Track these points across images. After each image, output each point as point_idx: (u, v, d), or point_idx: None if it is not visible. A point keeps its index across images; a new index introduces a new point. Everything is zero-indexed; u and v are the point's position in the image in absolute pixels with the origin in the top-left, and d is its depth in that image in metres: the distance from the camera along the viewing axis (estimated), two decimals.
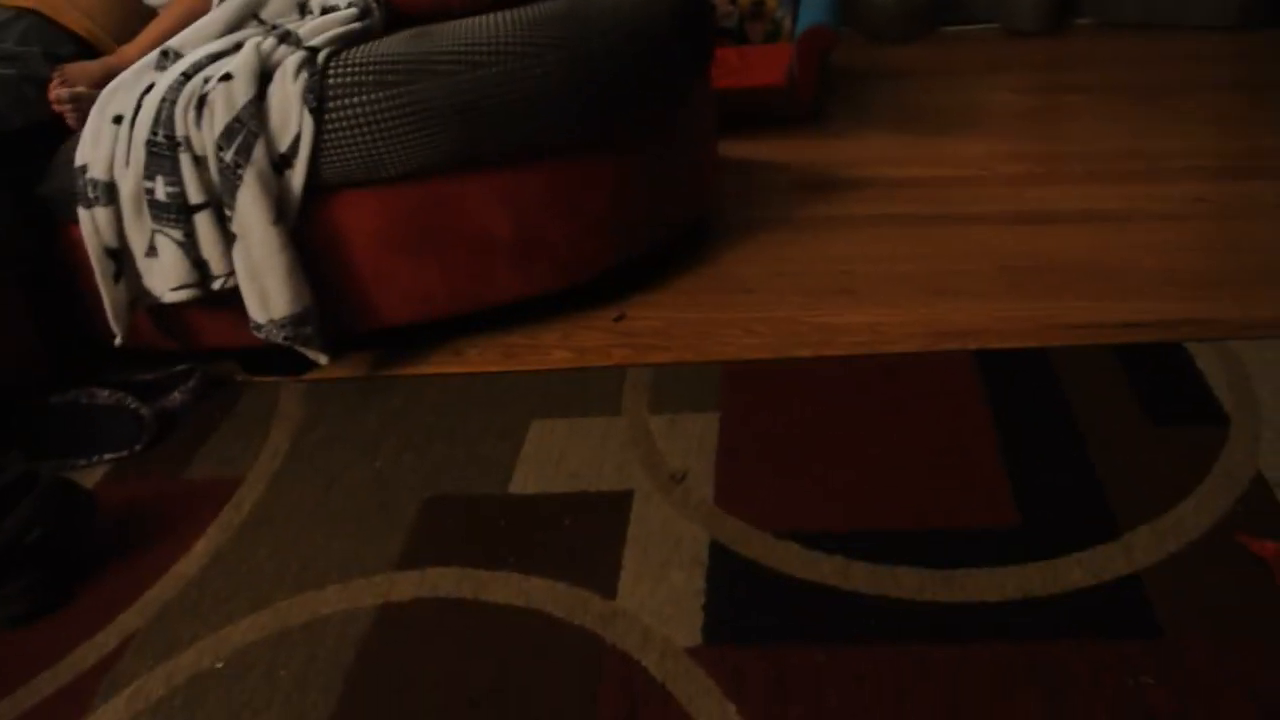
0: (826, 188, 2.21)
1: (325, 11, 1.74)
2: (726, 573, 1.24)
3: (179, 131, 1.57)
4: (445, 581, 1.29)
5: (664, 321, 1.78)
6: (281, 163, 1.59)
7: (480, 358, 1.76)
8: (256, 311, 1.64)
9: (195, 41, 1.71)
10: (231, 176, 1.56)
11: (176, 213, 1.60)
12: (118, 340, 1.70)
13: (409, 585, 1.29)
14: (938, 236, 1.95)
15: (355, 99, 1.58)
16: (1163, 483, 1.30)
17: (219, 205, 1.60)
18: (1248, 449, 1.34)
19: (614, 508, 1.37)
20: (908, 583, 1.20)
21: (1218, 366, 1.50)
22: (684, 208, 1.97)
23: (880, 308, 1.74)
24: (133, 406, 1.64)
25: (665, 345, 1.71)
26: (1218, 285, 1.71)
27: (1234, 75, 2.60)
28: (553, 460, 1.47)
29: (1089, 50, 2.84)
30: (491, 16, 1.64)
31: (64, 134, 1.72)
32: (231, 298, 1.65)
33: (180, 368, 1.78)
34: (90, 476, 1.59)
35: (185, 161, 1.58)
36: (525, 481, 1.44)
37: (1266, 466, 1.31)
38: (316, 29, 1.67)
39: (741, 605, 1.20)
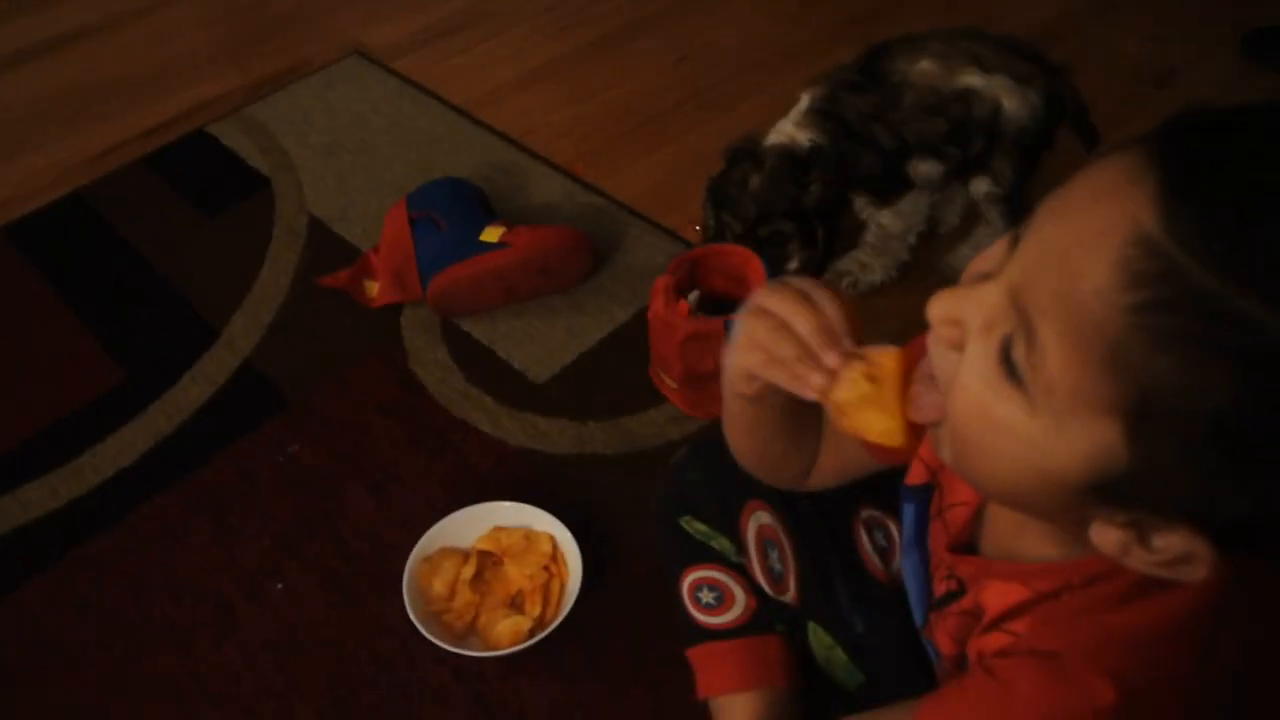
0: None
1: None
2: None
3: None
4: None
5: None
6: None
7: None
8: None
9: None
10: None
11: None
12: None
13: None
14: None
15: None
16: (237, 267, 1.31)
17: None
18: (296, 200, 1.40)
19: None
20: (39, 499, 1.08)
21: (244, 137, 1.52)
22: None
23: None
24: None
25: None
26: (216, 61, 1.71)
27: None
28: None
29: None
30: None
31: None
32: None
33: None
34: None
35: None
36: None
37: (315, 207, 1.39)
38: None
39: None
